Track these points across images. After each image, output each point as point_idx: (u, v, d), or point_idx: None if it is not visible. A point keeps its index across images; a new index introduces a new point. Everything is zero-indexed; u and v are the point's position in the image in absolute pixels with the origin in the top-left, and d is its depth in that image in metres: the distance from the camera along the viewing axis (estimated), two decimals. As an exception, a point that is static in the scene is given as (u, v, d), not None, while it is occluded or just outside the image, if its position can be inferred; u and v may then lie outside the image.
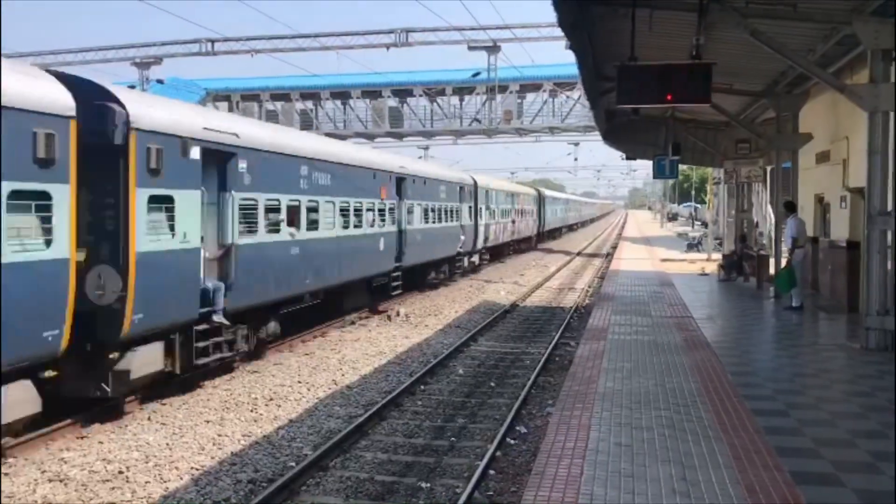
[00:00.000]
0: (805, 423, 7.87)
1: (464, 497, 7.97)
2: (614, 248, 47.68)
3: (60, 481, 8.44)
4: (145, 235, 10.58)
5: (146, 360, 10.83)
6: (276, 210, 14.59)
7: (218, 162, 12.69)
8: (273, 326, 15.06)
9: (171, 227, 11.21)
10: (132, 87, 43.28)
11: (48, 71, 9.95)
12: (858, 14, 11.15)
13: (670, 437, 7.40)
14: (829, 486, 6.19)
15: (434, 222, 26.16)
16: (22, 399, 8.92)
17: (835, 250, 17.23)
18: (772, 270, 19.66)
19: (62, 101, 9.22)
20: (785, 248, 17.17)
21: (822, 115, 17.92)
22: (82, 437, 9.96)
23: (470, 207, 31.57)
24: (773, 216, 22.25)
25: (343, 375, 13.82)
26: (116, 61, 47.74)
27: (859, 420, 8.11)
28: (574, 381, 10.06)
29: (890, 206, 11.56)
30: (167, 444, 9.75)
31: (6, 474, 8.61)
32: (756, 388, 9.46)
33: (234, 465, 9.10)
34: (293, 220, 15.32)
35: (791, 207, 16.92)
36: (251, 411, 11.38)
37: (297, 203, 15.46)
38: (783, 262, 17.60)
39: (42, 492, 8.15)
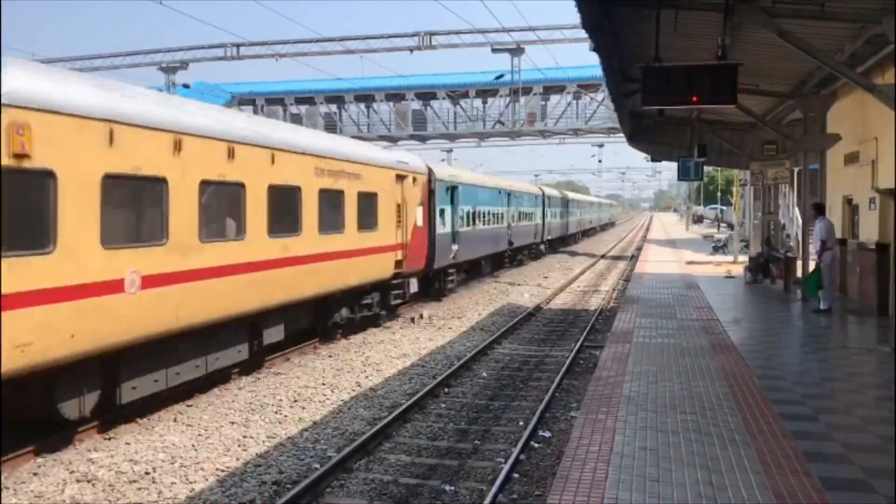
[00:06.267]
0: (834, 428, 7.76)
1: (488, 500, 7.95)
2: (639, 250, 47.37)
3: (88, 482, 8.53)
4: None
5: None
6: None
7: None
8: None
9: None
10: (159, 90, 43.84)
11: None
12: (888, 13, 10.97)
13: (696, 441, 7.33)
14: (859, 492, 6.09)
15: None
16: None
17: (864, 252, 16.99)
18: (799, 273, 19.43)
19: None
20: (813, 251, 16.96)
21: (850, 116, 17.70)
22: (109, 439, 10.07)
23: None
24: (800, 218, 21.99)
25: (367, 377, 13.85)
26: (144, 66, 48.30)
27: (891, 425, 7.96)
28: (599, 385, 10.00)
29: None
30: (193, 446, 9.82)
31: (34, 473, 8.73)
32: (784, 392, 9.34)
33: (259, 466, 9.16)
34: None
35: (820, 209, 16.71)
36: (276, 413, 11.44)
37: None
38: (811, 265, 17.39)
39: (70, 492, 8.25)
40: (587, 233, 75.36)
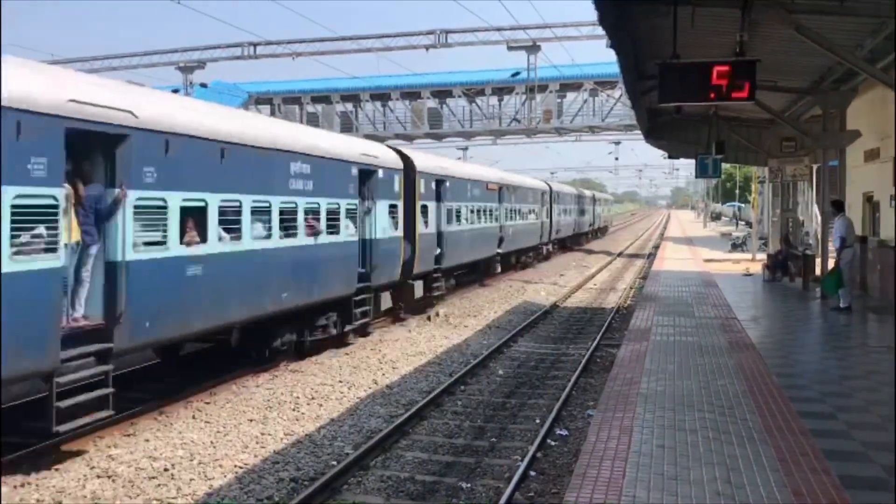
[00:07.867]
0: (854, 426, 7.70)
1: (504, 498, 7.96)
2: (656, 248, 47.15)
3: (109, 477, 8.61)
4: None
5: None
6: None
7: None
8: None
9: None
10: (176, 90, 44.10)
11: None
12: (908, 8, 10.87)
13: (714, 439, 7.30)
14: (878, 490, 6.05)
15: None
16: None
17: (884, 250, 16.83)
18: (818, 271, 19.28)
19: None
20: (833, 248, 16.82)
21: (870, 112, 17.53)
22: (129, 435, 10.16)
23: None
24: (819, 215, 21.80)
25: (383, 375, 13.89)
26: (161, 66, 48.58)
27: (911, 424, 7.90)
28: (616, 383, 9.98)
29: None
30: (211, 443, 9.89)
31: (56, 469, 8.83)
32: (802, 389, 9.28)
33: (277, 463, 9.21)
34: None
35: (839, 206, 16.56)
36: (293, 410, 11.50)
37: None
38: (830, 263, 17.25)
39: (91, 487, 8.33)
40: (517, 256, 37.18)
